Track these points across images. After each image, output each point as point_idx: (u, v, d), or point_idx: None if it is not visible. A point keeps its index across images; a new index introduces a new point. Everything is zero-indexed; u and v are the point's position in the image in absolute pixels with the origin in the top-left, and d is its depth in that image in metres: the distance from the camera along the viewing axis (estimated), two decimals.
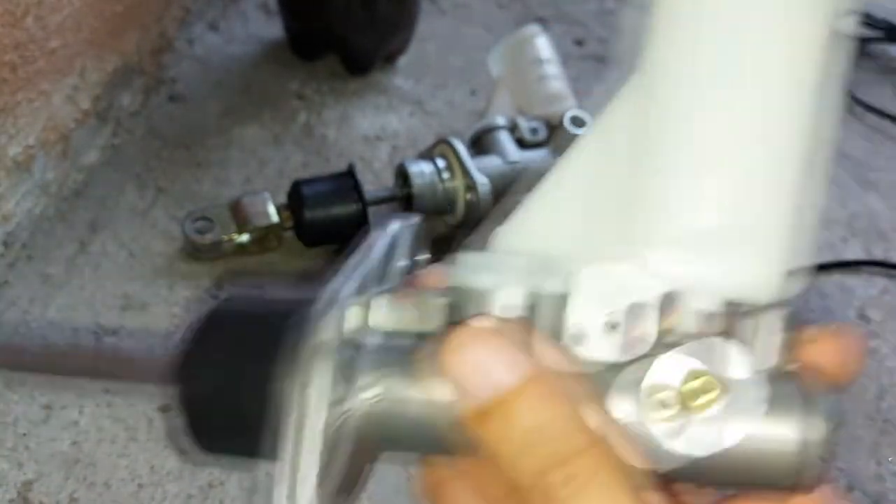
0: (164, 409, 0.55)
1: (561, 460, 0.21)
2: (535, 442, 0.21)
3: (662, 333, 0.22)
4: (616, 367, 0.22)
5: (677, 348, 0.22)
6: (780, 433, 0.22)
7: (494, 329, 0.22)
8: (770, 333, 0.22)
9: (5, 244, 0.61)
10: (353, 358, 0.23)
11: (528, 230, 0.24)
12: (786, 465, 0.22)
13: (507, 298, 0.23)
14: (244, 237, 0.63)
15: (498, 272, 0.23)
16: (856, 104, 0.87)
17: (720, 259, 0.22)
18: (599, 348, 0.22)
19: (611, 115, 0.23)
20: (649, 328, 0.22)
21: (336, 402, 0.22)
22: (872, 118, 0.86)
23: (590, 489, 0.21)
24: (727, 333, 0.22)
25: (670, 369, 0.22)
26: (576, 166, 0.24)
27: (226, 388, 0.25)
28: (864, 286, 0.70)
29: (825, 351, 0.23)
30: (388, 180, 0.69)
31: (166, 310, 0.60)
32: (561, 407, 0.21)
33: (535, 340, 0.22)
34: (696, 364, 0.22)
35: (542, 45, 0.75)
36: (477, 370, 0.21)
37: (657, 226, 0.22)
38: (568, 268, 0.23)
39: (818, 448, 0.22)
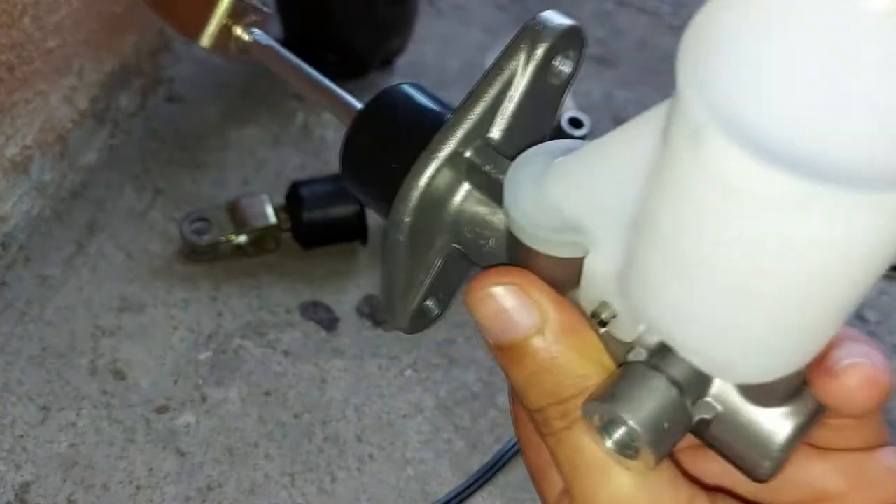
0: (161, 411, 0.54)
1: (559, 399, 0.25)
2: (538, 382, 0.25)
3: None
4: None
5: None
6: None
7: (514, 273, 0.25)
8: None
9: (2, 246, 0.61)
10: None
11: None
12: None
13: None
14: (242, 238, 0.63)
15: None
16: None
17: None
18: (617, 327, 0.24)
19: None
20: None
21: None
22: None
23: (580, 425, 0.24)
24: None
25: None
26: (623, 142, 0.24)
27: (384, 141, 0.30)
28: None
29: (845, 387, 0.23)
30: None
31: (164, 311, 0.60)
32: (565, 353, 0.25)
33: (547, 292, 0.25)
34: None
35: None
36: (497, 317, 0.25)
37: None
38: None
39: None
